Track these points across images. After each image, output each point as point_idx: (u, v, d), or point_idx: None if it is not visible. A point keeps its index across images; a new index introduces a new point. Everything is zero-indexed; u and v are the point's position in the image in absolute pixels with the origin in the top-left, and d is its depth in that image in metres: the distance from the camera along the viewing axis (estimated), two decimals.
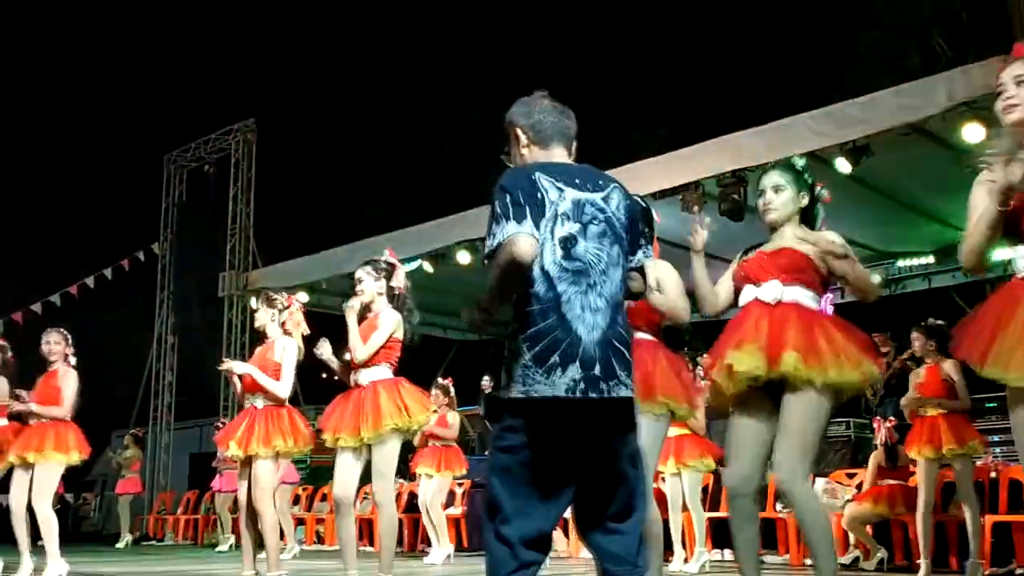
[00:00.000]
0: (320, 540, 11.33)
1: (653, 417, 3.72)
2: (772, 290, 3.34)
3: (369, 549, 9.87)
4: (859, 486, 7.18)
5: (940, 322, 6.27)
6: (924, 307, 10.79)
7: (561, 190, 2.43)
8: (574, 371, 2.34)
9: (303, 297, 9.77)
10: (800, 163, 3.60)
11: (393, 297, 4.96)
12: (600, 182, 2.53)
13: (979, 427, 7.50)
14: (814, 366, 3.17)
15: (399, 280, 5.00)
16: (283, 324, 5.39)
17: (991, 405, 7.87)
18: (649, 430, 3.66)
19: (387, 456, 4.73)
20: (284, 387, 5.25)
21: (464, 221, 11.15)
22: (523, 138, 2.59)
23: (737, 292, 3.52)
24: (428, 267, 11.21)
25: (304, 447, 5.28)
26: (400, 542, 10.20)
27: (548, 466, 2.34)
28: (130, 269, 15.93)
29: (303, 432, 5.25)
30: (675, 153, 9.37)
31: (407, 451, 8.87)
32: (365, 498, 11.32)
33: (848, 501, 7.06)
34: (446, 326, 15.29)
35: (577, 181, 2.47)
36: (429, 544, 8.40)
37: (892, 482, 6.82)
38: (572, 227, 2.41)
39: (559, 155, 2.59)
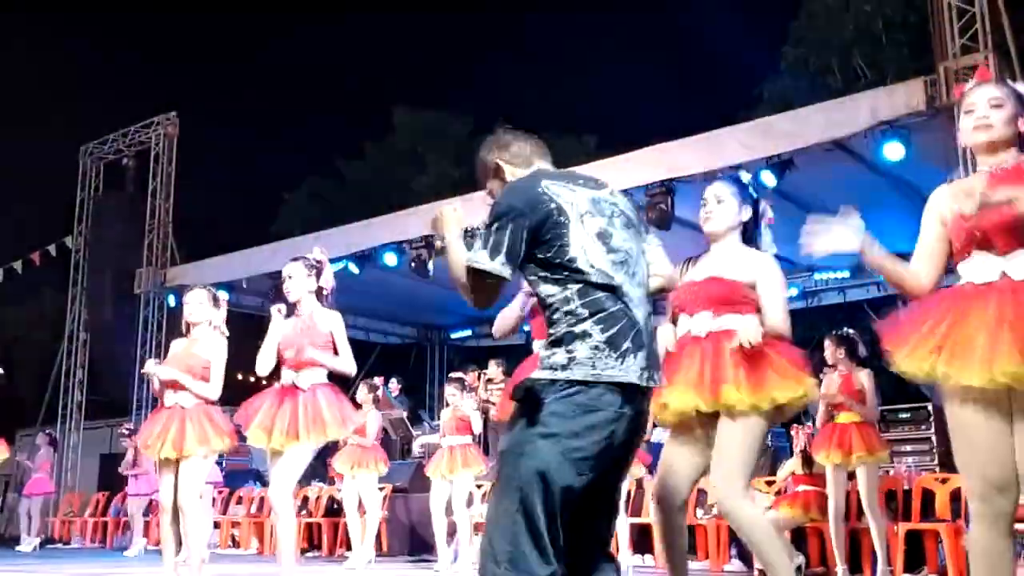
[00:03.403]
0: (235, 544, 11.10)
1: None
2: (702, 323, 3.37)
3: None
4: (778, 492, 7.32)
5: (850, 331, 6.42)
6: (839, 320, 11.09)
7: (573, 190, 2.46)
8: (642, 358, 2.35)
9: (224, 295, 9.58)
10: (745, 177, 3.63)
11: (320, 296, 4.88)
12: (598, 181, 2.58)
13: (891, 437, 7.73)
14: (758, 393, 3.19)
15: (327, 279, 4.92)
16: (211, 322, 5.24)
17: (904, 416, 8.11)
18: None
19: (301, 461, 4.64)
20: (215, 389, 5.08)
21: (391, 223, 11.09)
22: (507, 168, 2.61)
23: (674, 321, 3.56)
24: (353, 268, 11.10)
25: (232, 445, 5.14)
26: (319, 546, 10.06)
27: (595, 455, 2.28)
28: (41, 263, 15.41)
29: (231, 431, 5.10)
30: (603, 162, 9.46)
31: (325, 452, 8.74)
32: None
33: (767, 508, 7.18)
34: (369, 329, 15.17)
35: (580, 182, 2.52)
36: (349, 548, 8.25)
37: (807, 488, 6.96)
38: (600, 221, 2.44)
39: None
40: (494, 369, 10.30)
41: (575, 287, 2.36)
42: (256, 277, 12.20)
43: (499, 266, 2.35)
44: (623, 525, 7.05)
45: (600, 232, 2.42)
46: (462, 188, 10.77)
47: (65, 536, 13.26)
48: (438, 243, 2.56)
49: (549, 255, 2.38)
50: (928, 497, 6.81)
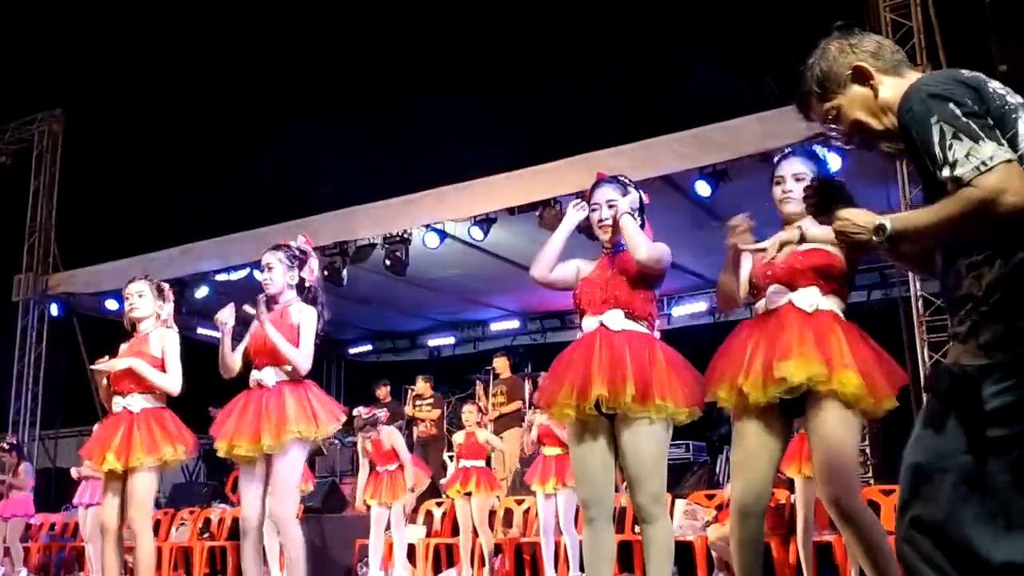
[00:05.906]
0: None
1: (649, 422, 3.39)
2: (809, 297, 3.14)
3: None
4: (719, 507, 7.17)
5: None
6: None
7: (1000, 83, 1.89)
8: None
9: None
10: (821, 152, 3.43)
11: (303, 289, 4.46)
12: None
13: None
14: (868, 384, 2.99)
15: (312, 270, 4.50)
16: (158, 315, 4.75)
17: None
18: (655, 437, 3.42)
19: (289, 469, 4.18)
20: (175, 381, 4.59)
21: (306, 226, 10.57)
22: (875, 73, 1.98)
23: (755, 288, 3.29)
24: (259, 276, 10.53)
25: (189, 455, 4.64)
26: (223, 572, 9.43)
27: None
28: None
29: (187, 438, 4.62)
30: (533, 169, 9.22)
31: (225, 472, 8.18)
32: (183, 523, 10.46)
33: (708, 523, 7.03)
34: None
35: None
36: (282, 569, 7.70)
37: None
38: None
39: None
40: (422, 384, 9.96)
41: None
42: None
43: (1007, 149, 1.72)
44: (573, 543, 6.77)
45: None
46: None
47: None
48: (874, 239, 1.87)
49: None
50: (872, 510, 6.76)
